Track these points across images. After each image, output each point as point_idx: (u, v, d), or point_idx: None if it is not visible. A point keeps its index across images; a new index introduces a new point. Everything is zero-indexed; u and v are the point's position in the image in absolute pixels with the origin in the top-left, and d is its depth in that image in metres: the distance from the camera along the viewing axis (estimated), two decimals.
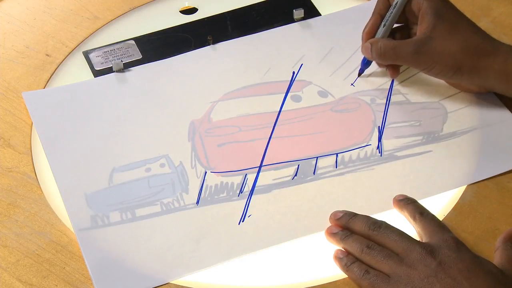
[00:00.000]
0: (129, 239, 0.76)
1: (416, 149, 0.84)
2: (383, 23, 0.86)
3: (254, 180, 0.81)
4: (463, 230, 0.76)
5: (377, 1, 0.88)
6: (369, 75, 0.90)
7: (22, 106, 0.88)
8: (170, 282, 0.73)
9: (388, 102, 0.88)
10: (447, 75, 0.84)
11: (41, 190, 0.80)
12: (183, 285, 0.73)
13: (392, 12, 0.86)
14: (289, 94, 0.89)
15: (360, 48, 0.88)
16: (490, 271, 0.69)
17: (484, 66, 0.82)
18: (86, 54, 0.93)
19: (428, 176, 0.81)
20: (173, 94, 0.89)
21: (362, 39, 0.88)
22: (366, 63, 0.89)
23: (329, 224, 0.77)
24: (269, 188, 0.80)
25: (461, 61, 0.82)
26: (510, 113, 0.86)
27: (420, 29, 0.84)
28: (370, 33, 0.87)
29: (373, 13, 0.88)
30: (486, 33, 0.84)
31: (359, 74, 0.90)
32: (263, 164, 0.82)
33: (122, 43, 0.94)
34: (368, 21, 0.88)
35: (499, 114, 0.86)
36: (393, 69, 0.88)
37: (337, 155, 0.83)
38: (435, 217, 0.75)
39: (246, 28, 0.96)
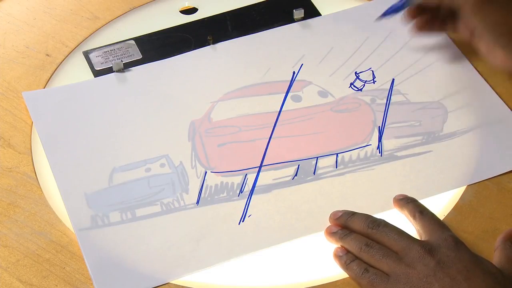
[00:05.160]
0: (129, 239, 0.76)
1: (416, 149, 0.84)
2: None
3: (254, 180, 0.81)
4: (463, 230, 0.76)
5: None
6: (369, 74, 0.90)
7: (22, 106, 0.88)
8: (170, 282, 0.73)
9: (388, 102, 0.88)
10: (503, 41, 0.80)
11: (41, 190, 0.80)
12: (183, 285, 0.73)
13: None
14: (289, 94, 0.89)
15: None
16: (489, 271, 0.69)
17: None
18: (86, 54, 0.93)
19: (428, 176, 0.81)
20: (173, 94, 0.89)
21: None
22: (393, 11, 0.88)
23: (329, 224, 0.77)
24: (269, 188, 0.80)
25: None
26: (510, 112, 0.86)
27: None
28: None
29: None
30: None
31: (381, 17, 0.89)
32: (263, 164, 0.82)
33: (122, 43, 0.94)
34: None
35: (500, 114, 0.86)
36: (421, 21, 0.87)
37: (337, 155, 0.83)
38: (435, 216, 0.75)
39: (246, 28, 0.96)
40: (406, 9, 0.88)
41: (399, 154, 0.83)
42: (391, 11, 0.89)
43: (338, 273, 0.73)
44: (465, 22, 0.84)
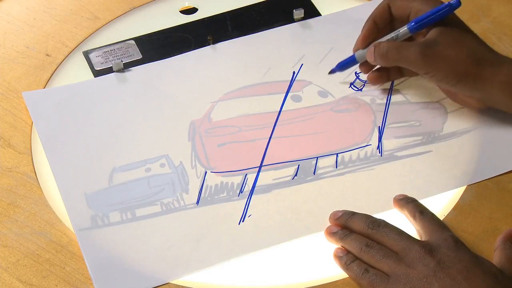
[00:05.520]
0: (129, 239, 0.76)
1: (416, 149, 0.84)
2: (394, 35, 0.84)
3: (254, 180, 0.81)
4: (463, 230, 0.76)
5: (376, 7, 0.86)
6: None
7: (22, 106, 0.88)
8: (170, 282, 0.73)
9: (388, 102, 0.88)
10: (451, 83, 0.81)
11: (41, 190, 0.80)
12: (183, 285, 0.73)
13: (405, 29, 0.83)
14: (289, 94, 0.89)
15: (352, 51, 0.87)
16: (489, 271, 0.69)
17: (489, 76, 0.80)
18: (86, 54, 0.93)
19: (428, 176, 0.81)
20: (173, 94, 0.89)
21: (356, 45, 0.86)
22: (340, 67, 0.88)
23: (329, 224, 0.77)
24: (269, 188, 0.80)
25: (466, 69, 0.80)
26: (510, 113, 0.86)
27: (426, 35, 0.83)
28: (365, 40, 0.85)
29: (368, 19, 0.86)
30: (490, 46, 0.83)
31: (330, 73, 0.89)
32: (263, 164, 0.82)
33: (122, 43, 0.94)
34: (363, 27, 0.86)
35: (499, 114, 0.86)
36: (373, 76, 0.87)
37: (337, 155, 0.83)
38: (435, 216, 0.75)
39: (246, 28, 0.96)
40: (357, 64, 0.87)
41: (399, 154, 0.83)
42: (339, 67, 0.89)
43: (338, 273, 0.73)
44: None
